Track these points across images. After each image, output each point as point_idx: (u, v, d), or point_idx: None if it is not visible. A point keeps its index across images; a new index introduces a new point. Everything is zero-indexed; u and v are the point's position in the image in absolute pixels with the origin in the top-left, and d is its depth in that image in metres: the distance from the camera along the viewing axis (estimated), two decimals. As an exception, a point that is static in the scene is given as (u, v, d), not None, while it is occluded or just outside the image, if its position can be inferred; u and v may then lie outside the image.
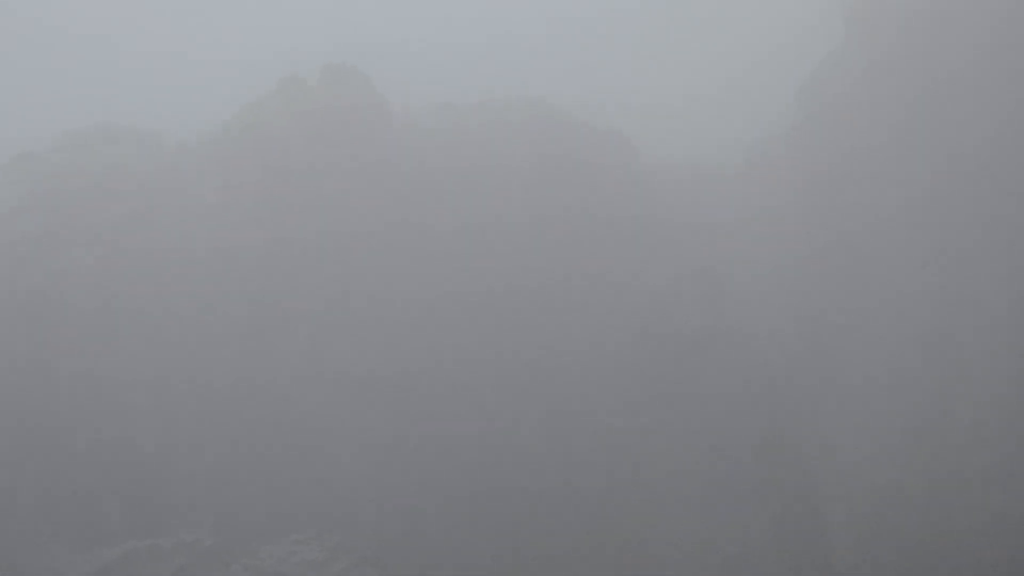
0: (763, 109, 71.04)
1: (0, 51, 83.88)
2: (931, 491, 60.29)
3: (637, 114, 71.79)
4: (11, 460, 63.28)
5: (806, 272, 65.63)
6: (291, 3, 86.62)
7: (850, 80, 68.50)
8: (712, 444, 62.64)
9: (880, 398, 62.31)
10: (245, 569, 60.64)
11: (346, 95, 70.43)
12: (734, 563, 60.41)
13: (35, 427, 63.95)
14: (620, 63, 76.65)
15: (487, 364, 64.52)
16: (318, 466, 63.08)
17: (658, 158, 69.75)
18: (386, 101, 70.87)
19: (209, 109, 71.36)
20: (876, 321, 63.66)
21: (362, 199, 68.02)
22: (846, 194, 66.54)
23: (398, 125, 70.49)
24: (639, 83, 74.84)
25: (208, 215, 68.08)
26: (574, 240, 67.06)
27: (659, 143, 70.01)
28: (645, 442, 62.88)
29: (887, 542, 59.98)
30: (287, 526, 61.85)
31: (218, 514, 62.41)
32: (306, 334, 65.37)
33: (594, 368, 64.31)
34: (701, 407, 63.51)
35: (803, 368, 63.95)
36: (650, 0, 79.90)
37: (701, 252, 66.94)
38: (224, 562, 60.98)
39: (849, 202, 66.30)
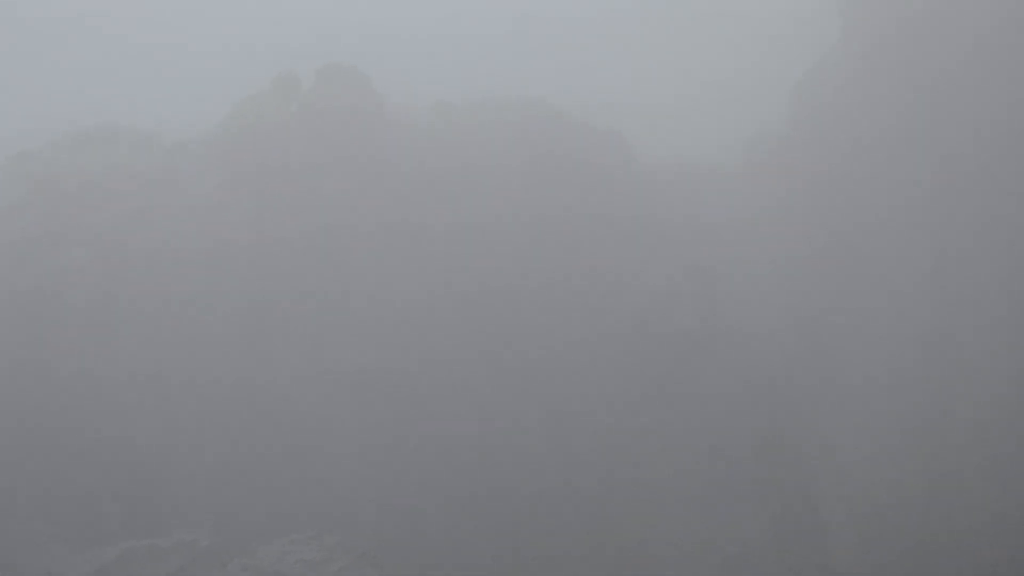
0: (761, 108, 70.91)
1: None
2: (931, 491, 60.27)
3: (636, 114, 71.66)
4: (10, 460, 63.12)
5: (805, 271, 65.55)
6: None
7: (848, 77, 68.38)
8: (712, 444, 62.63)
9: (880, 398, 62.27)
10: (243, 569, 60.51)
11: (344, 94, 70.30)
12: (734, 563, 60.40)
13: (34, 427, 63.80)
14: (619, 63, 76.48)
15: (487, 364, 64.48)
16: (317, 466, 62.99)
17: (657, 158, 69.66)
18: (384, 100, 70.76)
19: (207, 103, 71.14)
20: (876, 321, 63.60)
21: (361, 198, 67.91)
22: (845, 193, 66.43)
23: (396, 124, 70.35)
24: (638, 83, 74.70)
25: (207, 214, 67.94)
26: (573, 240, 67.01)
27: (658, 143, 69.92)
28: (645, 442, 62.86)
29: (887, 542, 59.97)
30: (286, 526, 61.76)
31: (217, 514, 62.34)
32: (305, 333, 65.28)
33: (594, 368, 64.28)
34: (701, 407, 63.49)
35: (803, 368, 63.90)
36: (649, 0, 79.73)
37: (700, 252, 66.88)
38: (222, 562, 60.88)
39: (848, 201, 66.18)
